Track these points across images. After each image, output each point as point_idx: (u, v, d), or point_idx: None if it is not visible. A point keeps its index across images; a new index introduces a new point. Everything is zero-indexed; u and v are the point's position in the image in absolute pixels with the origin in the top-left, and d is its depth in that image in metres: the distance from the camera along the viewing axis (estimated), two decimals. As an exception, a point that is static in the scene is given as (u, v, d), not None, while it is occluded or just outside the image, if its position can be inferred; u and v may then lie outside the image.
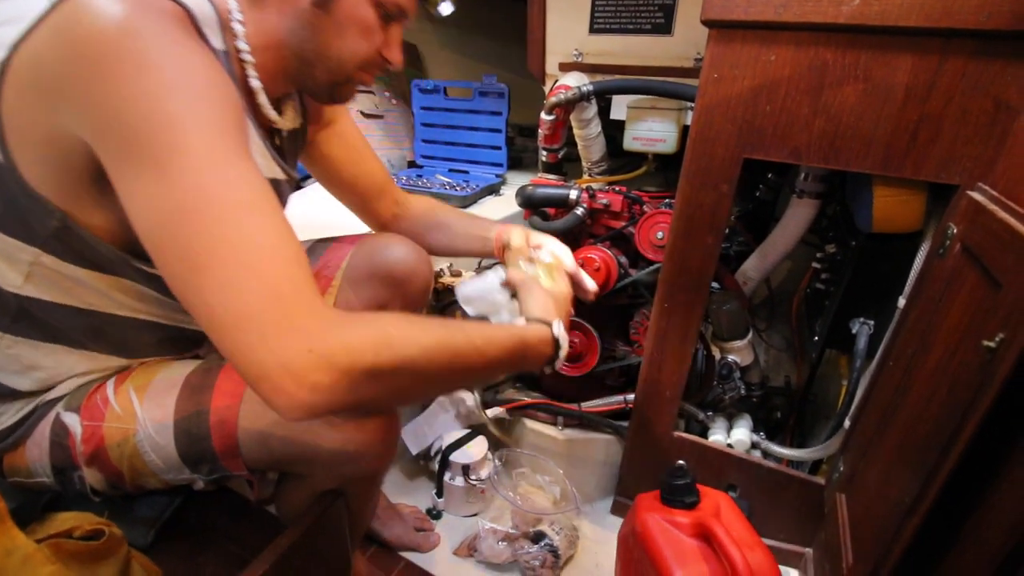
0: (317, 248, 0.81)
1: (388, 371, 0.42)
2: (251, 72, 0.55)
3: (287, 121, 0.63)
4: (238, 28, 0.52)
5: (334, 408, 0.41)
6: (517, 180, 1.58)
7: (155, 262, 0.42)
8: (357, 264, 0.79)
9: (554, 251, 0.75)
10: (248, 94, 0.55)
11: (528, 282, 0.67)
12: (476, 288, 0.74)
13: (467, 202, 1.32)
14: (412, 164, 1.65)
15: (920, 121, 0.54)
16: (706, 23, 0.59)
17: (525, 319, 0.61)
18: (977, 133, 0.52)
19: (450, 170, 1.56)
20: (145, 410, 0.54)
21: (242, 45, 0.53)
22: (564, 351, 0.61)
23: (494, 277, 0.72)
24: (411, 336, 0.44)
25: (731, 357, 0.80)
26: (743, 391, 0.80)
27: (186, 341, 0.64)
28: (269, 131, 0.62)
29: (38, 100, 0.43)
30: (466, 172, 1.54)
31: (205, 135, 0.41)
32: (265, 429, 0.53)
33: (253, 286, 0.39)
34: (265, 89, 0.57)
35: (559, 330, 0.60)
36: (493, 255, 0.81)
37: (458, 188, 1.38)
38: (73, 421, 0.54)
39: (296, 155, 0.72)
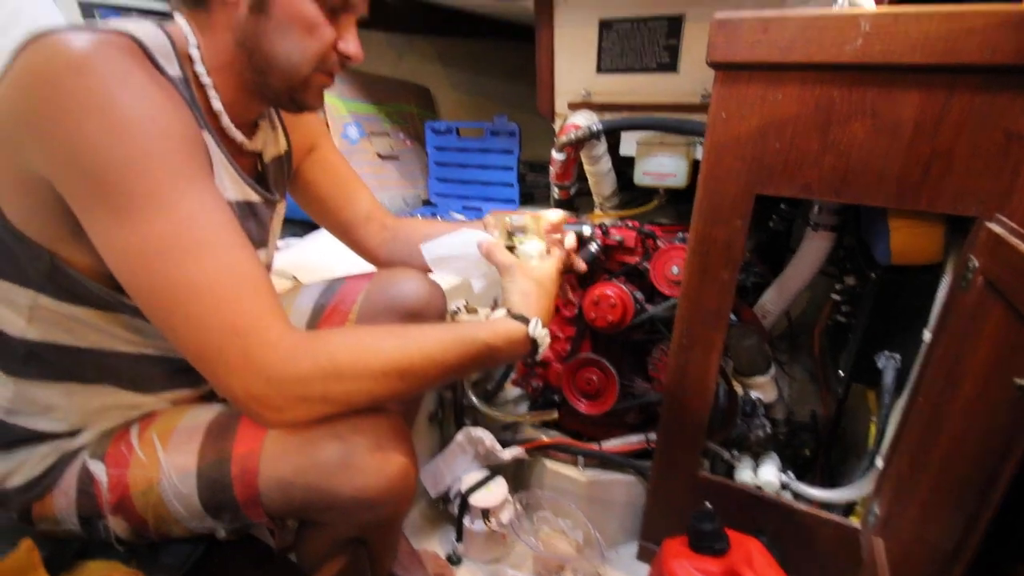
0: (333, 285, 0.82)
1: (340, 397, 0.48)
2: (212, 94, 0.55)
3: (258, 143, 0.63)
4: (194, 53, 0.54)
5: (301, 422, 0.49)
6: (530, 216, 1.59)
7: (131, 297, 0.46)
8: (372, 298, 0.80)
9: (538, 213, 0.73)
10: (212, 117, 0.56)
11: (512, 268, 0.65)
12: (447, 246, 0.69)
13: (481, 240, 1.34)
14: (427, 202, 1.68)
15: (931, 155, 0.54)
16: (712, 65, 0.61)
17: (505, 311, 0.61)
18: (990, 165, 0.52)
19: (464, 207, 1.59)
20: (169, 458, 0.55)
21: (200, 69, 0.54)
22: (544, 347, 0.60)
23: (469, 234, 0.69)
24: (360, 361, 0.48)
25: (754, 394, 0.78)
26: (769, 429, 0.78)
27: (196, 373, 0.65)
28: (249, 155, 0.63)
29: (7, 143, 0.45)
30: (479, 208, 1.56)
31: (160, 177, 0.44)
32: (285, 477, 0.53)
33: (214, 323, 0.44)
34: (231, 110, 0.57)
35: (536, 329, 0.59)
36: None
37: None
38: (99, 469, 0.55)
39: (283, 181, 0.73)
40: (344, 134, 1.54)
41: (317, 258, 1.18)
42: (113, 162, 0.43)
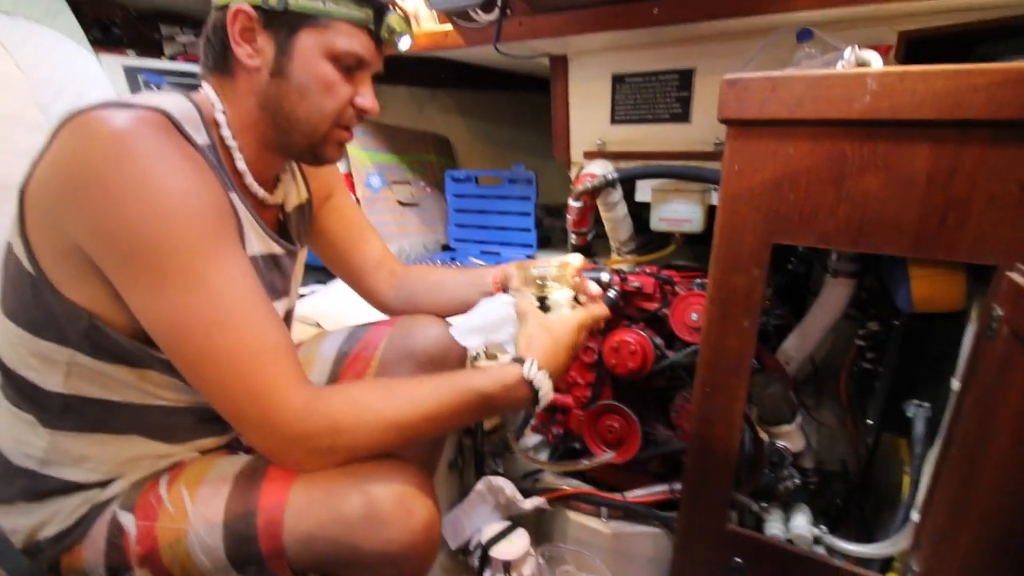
0: (356, 332, 0.84)
1: (344, 449, 0.54)
2: (237, 156, 0.60)
3: (279, 195, 0.67)
4: (220, 118, 0.59)
5: (316, 469, 0.55)
6: (547, 259, 1.62)
7: (166, 355, 0.52)
8: (393, 346, 0.82)
9: (563, 260, 0.73)
10: (237, 176, 0.60)
11: (527, 313, 0.66)
12: (482, 316, 0.69)
13: (500, 284, 1.36)
14: (446, 247, 1.72)
15: (947, 205, 0.54)
16: (723, 121, 0.63)
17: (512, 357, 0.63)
18: (1007, 215, 0.52)
19: (482, 252, 1.62)
20: (196, 509, 0.55)
21: (225, 133, 0.59)
22: (544, 393, 0.61)
23: (503, 303, 0.68)
24: (359, 420, 0.53)
25: (780, 443, 0.76)
26: (798, 479, 0.76)
27: (222, 422, 0.66)
28: (272, 208, 0.67)
29: (49, 216, 0.50)
30: (498, 253, 1.59)
31: (191, 256, 0.49)
32: (310, 531, 0.53)
33: (237, 388, 0.50)
34: (255, 168, 0.62)
35: (531, 370, 0.60)
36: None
37: (491, 271, 1.42)
38: (128, 521, 0.56)
39: (306, 228, 0.77)
40: (367, 183, 1.60)
41: (340, 305, 1.20)
42: (149, 242, 0.47)
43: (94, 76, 1.05)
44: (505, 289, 0.79)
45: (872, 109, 0.55)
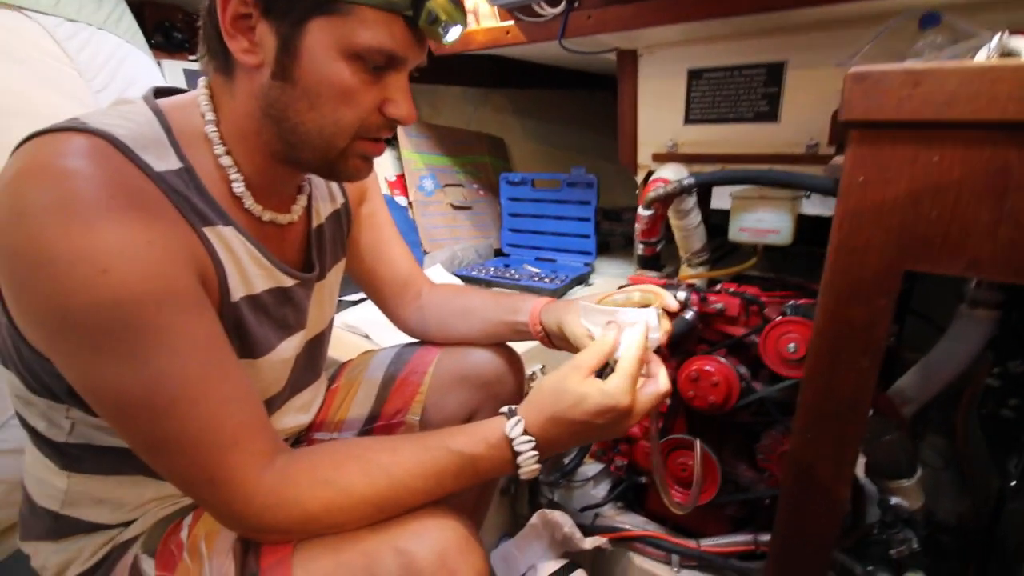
0: (404, 353, 0.79)
1: (320, 532, 0.47)
2: (233, 176, 0.50)
3: (295, 213, 0.58)
4: (212, 133, 0.49)
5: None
6: (605, 267, 1.53)
7: None
8: (444, 369, 0.76)
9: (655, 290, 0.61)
10: (233, 201, 0.51)
11: (567, 365, 0.51)
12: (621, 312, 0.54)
13: (557, 295, 1.28)
14: (499, 253, 1.65)
15: None
16: (847, 124, 0.53)
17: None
18: None
19: (537, 259, 1.54)
20: (212, 564, 0.50)
21: (218, 149, 0.49)
22: (526, 460, 0.48)
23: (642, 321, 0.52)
24: (331, 504, 0.46)
25: (894, 499, 0.65)
26: (916, 544, 0.64)
27: None
28: (290, 227, 0.58)
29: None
30: (554, 261, 1.51)
31: (123, 333, 0.40)
32: None
33: (194, 475, 0.44)
34: (262, 183, 0.52)
35: (513, 429, 0.48)
36: (531, 339, 0.70)
37: (547, 280, 1.35)
38: (149, 567, 0.52)
39: (341, 237, 0.68)
40: (420, 186, 1.56)
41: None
42: (72, 319, 0.39)
43: (154, 81, 1.05)
44: (547, 334, 0.68)
45: (1052, 108, 0.44)
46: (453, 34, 0.49)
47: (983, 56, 0.59)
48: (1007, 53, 0.59)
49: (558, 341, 0.68)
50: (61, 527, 0.54)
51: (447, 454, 0.48)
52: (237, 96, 0.49)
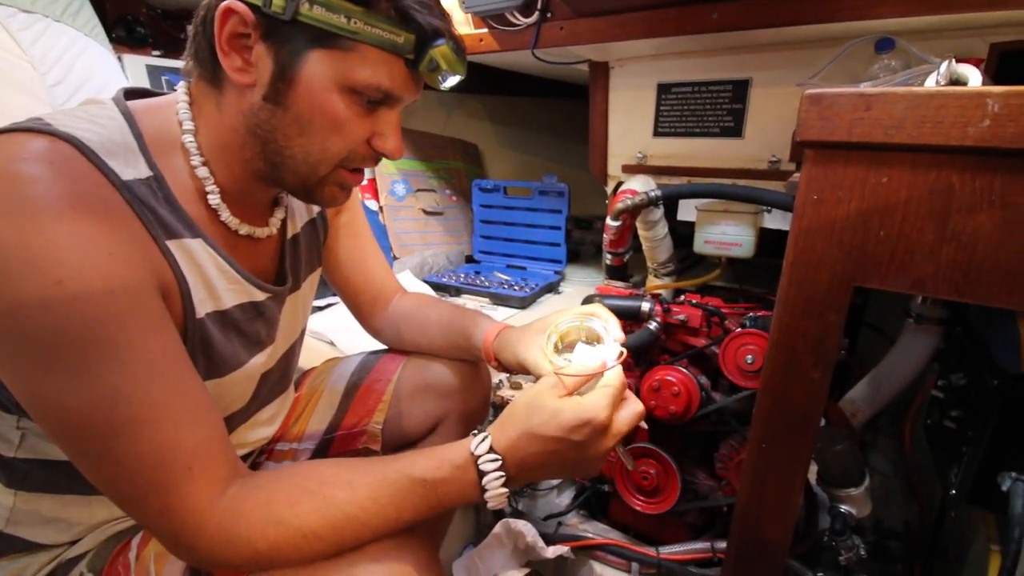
0: (368, 361, 0.78)
1: (271, 566, 0.44)
2: (210, 187, 0.48)
3: (272, 226, 0.56)
4: (190, 143, 0.47)
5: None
6: (575, 275, 1.54)
7: None
8: (408, 378, 0.75)
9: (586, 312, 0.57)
10: (208, 212, 0.49)
11: (538, 384, 0.49)
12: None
13: (526, 303, 1.28)
14: (470, 259, 1.65)
15: (1084, 254, 0.45)
16: (802, 144, 0.54)
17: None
18: None
19: (508, 266, 1.54)
20: None
21: (195, 160, 0.47)
22: (491, 481, 0.45)
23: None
24: (280, 539, 0.43)
25: (844, 507, 0.67)
26: (863, 552, 0.66)
27: None
28: (264, 240, 0.56)
29: None
30: (524, 268, 1.52)
31: (75, 349, 0.38)
32: None
33: (143, 503, 0.41)
34: (239, 194, 0.51)
35: (479, 446, 0.46)
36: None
37: (516, 287, 1.35)
38: None
39: (318, 246, 0.68)
40: (391, 191, 1.54)
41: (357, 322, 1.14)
42: (21, 331, 0.37)
43: (113, 76, 1.01)
44: (500, 364, 0.64)
45: (991, 135, 0.46)
46: (451, 82, 0.50)
47: (932, 82, 0.62)
48: (954, 80, 0.62)
49: (514, 368, 0.65)
50: (4, 546, 0.51)
51: (408, 484, 0.45)
52: (223, 109, 0.47)
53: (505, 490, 0.46)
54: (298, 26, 0.43)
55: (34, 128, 0.39)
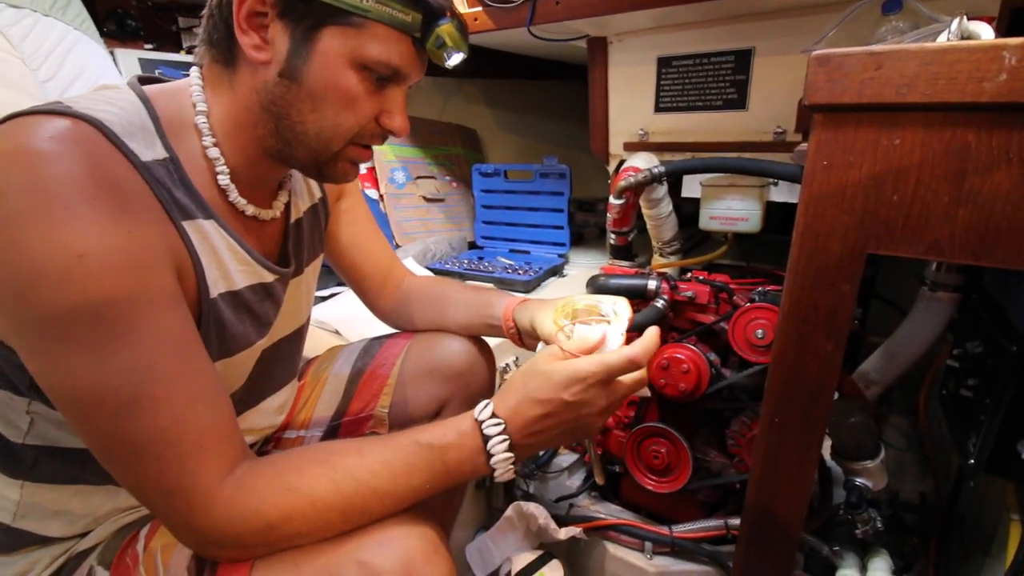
0: (372, 346, 0.78)
1: (282, 544, 0.44)
2: (220, 168, 0.49)
3: (277, 209, 0.57)
4: (202, 124, 0.48)
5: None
6: (579, 258, 1.53)
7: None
8: (413, 360, 0.75)
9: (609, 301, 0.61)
10: (219, 193, 0.50)
11: (539, 353, 0.53)
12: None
13: (530, 286, 1.27)
14: (473, 245, 1.64)
15: (1108, 210, 0.43)
16: (811, 107, 0.52)
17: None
18: None
19: (511, 251, 1.53)
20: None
21: (207, 141, 0.48)
22: (495, 446, 0.47)
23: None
24: (291, 509, 0.43)
25: (859, 480, 0.66)
26: (880, 524, 0.65)
27: None
28: (270, 223, 0.57)
29: None
30: (527, 252, 1.50)
31: (92, 324, 0.38)
32: None
33: (150, 482, 0.41)
34: (248, 177, 0.52)
35: (481, 412, 0.48)
36: (502, 336, 0.71)
37: (520, 271, 1.34)
38: None
39: (320, 232, 0.68)
40: (391, 179, 1.53)
41: (361, 310, 1.14)
42: (39, 307, 0.37)
43: (105, 70, 1.00)
44: (519, 331, 0.68)
45: (1008, 90, 0.44)
46: (455, 59, 0.53)
47: (943, 40, 0.60)
48: (966, 37, 0.59)
49: (528, 339, 0.68)
50: (13, 540, 0.51)
51: (416, 448, 0.47)
52: (237, 88, 0.49)
53: (511, 455, 0.48)
54: (313, 4, 0.45)
55: (56, 110, 0.40)
